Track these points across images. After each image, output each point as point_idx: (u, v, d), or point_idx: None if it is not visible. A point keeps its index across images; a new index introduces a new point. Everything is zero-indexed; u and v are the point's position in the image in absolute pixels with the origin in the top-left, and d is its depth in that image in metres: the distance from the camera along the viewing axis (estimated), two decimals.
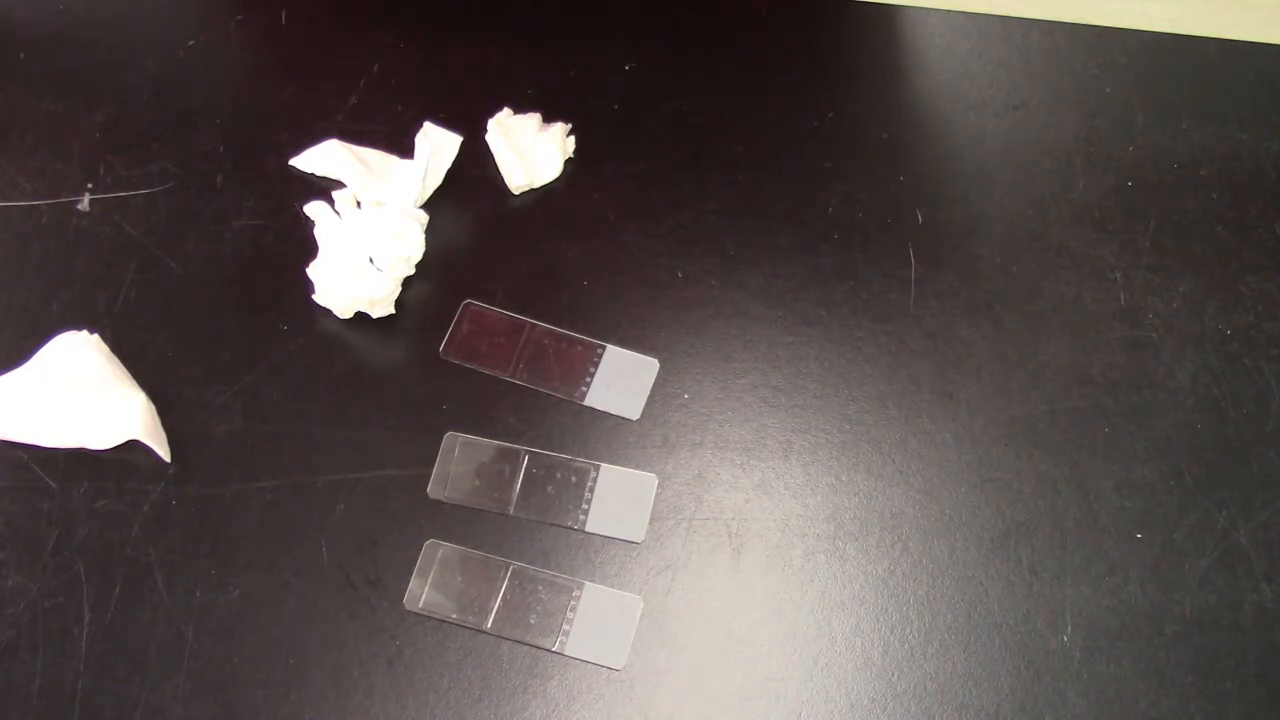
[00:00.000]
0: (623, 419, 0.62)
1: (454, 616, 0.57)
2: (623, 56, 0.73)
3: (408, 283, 0.65)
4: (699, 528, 0.59)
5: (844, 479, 0.60)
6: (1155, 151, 0.69)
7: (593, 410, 0.62)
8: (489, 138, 0.69)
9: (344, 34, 0.74)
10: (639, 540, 0.59)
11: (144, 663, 0.56)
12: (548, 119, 0.70)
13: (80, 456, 0.61)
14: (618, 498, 0.60)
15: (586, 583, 0.58)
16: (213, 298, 0.65)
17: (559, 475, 0.60)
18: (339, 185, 0.67)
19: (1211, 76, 0.71)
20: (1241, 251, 0.66)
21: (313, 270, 0.64)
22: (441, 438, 0.61)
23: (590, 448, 0.61)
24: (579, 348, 0.64)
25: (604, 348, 0.64)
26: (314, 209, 0.65)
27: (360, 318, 0.64)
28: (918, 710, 0.55)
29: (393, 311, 0.64)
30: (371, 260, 0.64)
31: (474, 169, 0.69)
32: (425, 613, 0.57)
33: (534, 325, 0.64)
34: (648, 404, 0.62)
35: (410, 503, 0.60)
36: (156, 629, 0.57)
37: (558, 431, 0.61)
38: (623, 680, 0.56)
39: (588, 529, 0.59)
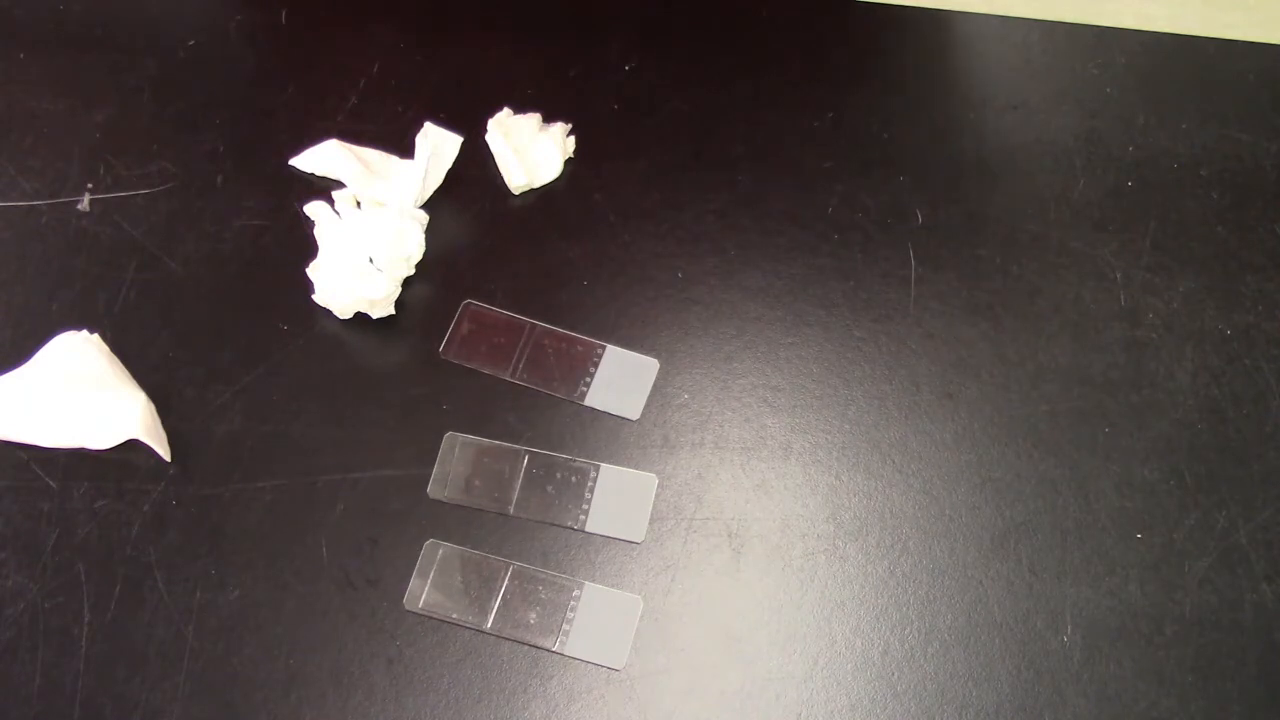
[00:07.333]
0: (623, 419, 0.62)
1: (454, 616, 0.57)
2: (623, 56, 0.73)
3: (408, 283, 0.65)
4: (699, 528, 0.59)
5: (844, 479, 0.60)
6: (1155, 151, 0.69)
7: (593, 410, 0.62)
8: (489, 138, 0.69)
9: (344, 34, 0.74)
10: (639, 540, 0.59)
11: (144, 663, 0.56)
12: (548, 119, 0.70)
13: (80, 456, 0.61)
14: (618, 498, 0.60)
15: (586, 583, 0.58)
16: (213, 298, 0.65)
17: (559, 475, 0.60)
18: (339, 185, 0.67)
19: (1211, 76, 0.71)
20: (1241, 251, 0.66)
21: (313, 270, 0.64)
22: (441, 438, 0.61)
23: (590, 448, 0.61)
24: (579, 348, 0.64)
25: (604, 348, 0.64)
26: (314, 209, 0.65)
27: (360, 318, 0.64)
28: (918, 710, 0.55)
29: (392, 312, 0.64)
30: (371, 260, 0.64)
31: (474, 169, 0.69)
32: (425, 613, 0.57)
33: (534, 325, 0.64)
34: (648, 404, 0.62)
35: (410, 503, 0.60)
36: (156, 629, 0.57)
37: (557, 431, 0.61)
38: (623, 680, 0.56)
39: (588, 529, 0.59)
